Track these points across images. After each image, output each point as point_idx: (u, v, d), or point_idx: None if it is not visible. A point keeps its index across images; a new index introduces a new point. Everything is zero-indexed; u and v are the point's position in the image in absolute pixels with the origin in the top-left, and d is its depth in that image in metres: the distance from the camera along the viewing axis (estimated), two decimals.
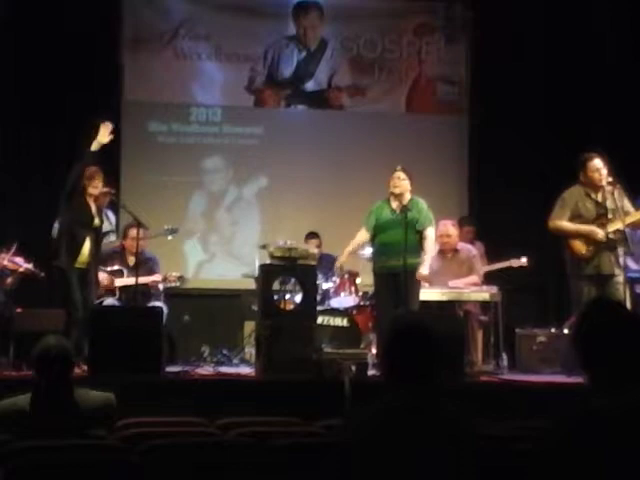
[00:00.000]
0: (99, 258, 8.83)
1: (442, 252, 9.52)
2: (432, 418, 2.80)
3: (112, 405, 4.68)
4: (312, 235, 10.71)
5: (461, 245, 9.68)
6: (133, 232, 9.37)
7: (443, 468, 2.75)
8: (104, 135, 8.41)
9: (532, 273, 10.24)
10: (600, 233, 8.14)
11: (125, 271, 9.43)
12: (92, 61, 10.87)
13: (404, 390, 2.85)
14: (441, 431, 2.78)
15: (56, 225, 8.75)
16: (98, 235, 8.67)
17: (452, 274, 9.37)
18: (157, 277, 9.54)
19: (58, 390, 4.54)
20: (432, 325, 2.88)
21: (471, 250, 9.74)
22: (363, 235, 8.79)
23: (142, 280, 9.01)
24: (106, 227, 9.49)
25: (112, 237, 9.92)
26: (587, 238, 8.18)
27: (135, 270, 8.97)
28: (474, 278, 9.45)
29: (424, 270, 8.45)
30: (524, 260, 9.99)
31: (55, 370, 4.52)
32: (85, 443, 4.22)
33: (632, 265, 9.20)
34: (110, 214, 9.80)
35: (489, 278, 9.73)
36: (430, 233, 8.57)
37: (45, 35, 10.79)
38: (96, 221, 8.58)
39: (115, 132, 8.61)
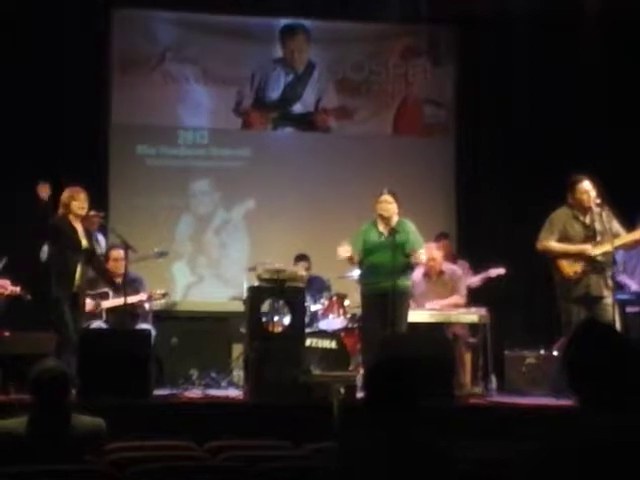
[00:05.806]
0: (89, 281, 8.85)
1: (427, 275, 9.54)
2: (410, 446, 2.79)
3: (102, 431, 4.65)
4: (301, 257, 10.67)
5: (446, 266, 9.69)
6: (114, 254, 9.37)
7: None
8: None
9: (520, 291, 10.21)
10: (590, 249, 8.13)
11: (111, 293, 9.39)
12: (80, 84, 10.86)
13: (385, 418, 2.82)
14: (419, 459, 2.77)
15: (45, 248, 8.71)
16: (89, 257, 8.64)
17: (436, 295, 9.39)
18: (142, 296, 9.50)
19: (55, 414, 4.51)
20: (415, 351, 2.88)
21: (456, 271, 9.75)
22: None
23: (128, 300, 8.98)
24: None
25: None
26: (576, 258, 8.18)
27: (122, 291, 8.94)
28: (455, 298, 9.45)
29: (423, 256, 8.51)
30: (502, 270, 9.98)
31: (53, 394, 4.49)
32: (74, 468, 4.20)
33: (633, 286, 9.19)
34: (100, 237, 9.77)
35: (477, 298, 9.74)
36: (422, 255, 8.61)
37: (33, 58, 10.78)
38: (84, 243, 8.54)
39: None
